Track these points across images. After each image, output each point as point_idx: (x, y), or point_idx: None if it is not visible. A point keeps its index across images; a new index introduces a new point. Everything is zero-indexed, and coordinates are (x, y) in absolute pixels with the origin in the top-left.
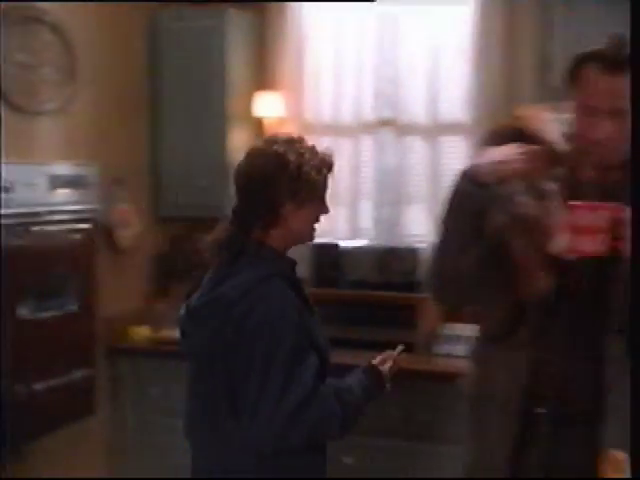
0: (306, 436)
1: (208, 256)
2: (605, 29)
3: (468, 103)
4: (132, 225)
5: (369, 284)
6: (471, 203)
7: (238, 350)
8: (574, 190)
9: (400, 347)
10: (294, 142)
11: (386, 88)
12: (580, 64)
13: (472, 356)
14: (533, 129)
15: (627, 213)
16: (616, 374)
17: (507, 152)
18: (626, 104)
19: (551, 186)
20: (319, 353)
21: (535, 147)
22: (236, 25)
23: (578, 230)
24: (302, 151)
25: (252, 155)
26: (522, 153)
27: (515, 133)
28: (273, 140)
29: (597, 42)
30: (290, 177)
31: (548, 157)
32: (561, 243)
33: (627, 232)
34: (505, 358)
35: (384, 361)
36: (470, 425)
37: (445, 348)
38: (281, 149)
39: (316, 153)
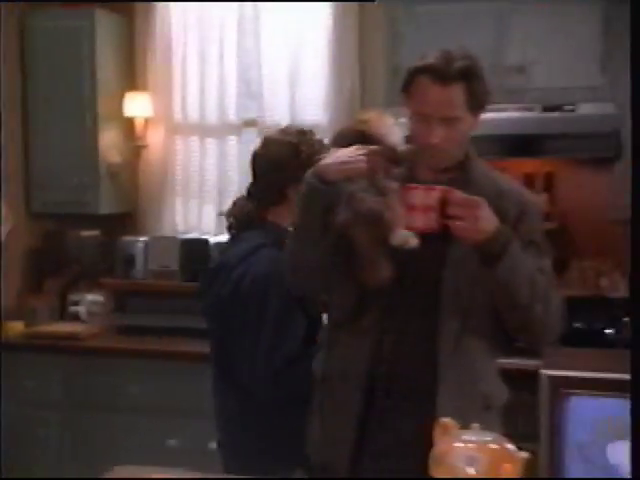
0: (294, 388)
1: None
2: (448, 43)
3: (326, 105)
4: (5, 221)
5: None
6: (319, 199)
7: (235, 310)
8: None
9: None
10: (306, 134)
11: (249, 89)
12: (413, 75)
13: (322, 340)
14: (376, 132)
15: (456, 195)
16: (448, 351)
17: (351, 153)
18: (455, 112)
19: (391, 184)
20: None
21: (377, 148)
22: (105, 26)
23: (411, 208)
24: (312, 142)
25: (268, 143)
26: (365, 154)
27: (359, 135)
28: (288, 131)
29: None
30: (300, 164)
31: (388, 157)
32: (400, 235)
33: (456, 212)
34: (350, 341)
35: None
36: (318, 402)
37: None
38: (295, 140)
39: (323, 145)
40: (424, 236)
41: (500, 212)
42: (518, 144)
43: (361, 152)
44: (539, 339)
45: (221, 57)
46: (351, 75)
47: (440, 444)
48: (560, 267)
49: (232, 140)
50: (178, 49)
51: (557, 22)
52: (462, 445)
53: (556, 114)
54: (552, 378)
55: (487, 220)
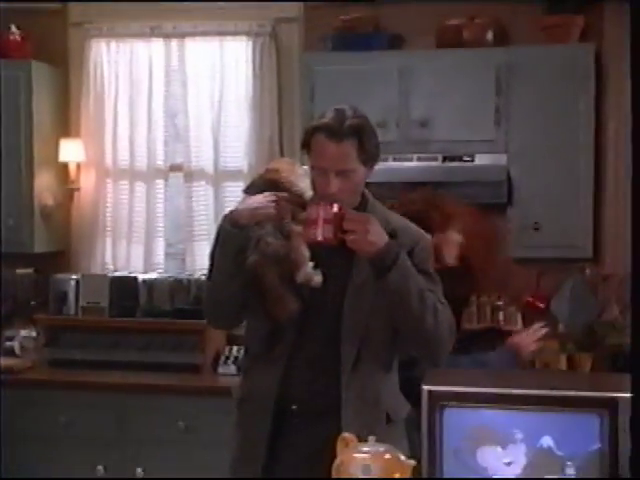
0: None
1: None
2: (358, 99)
3: (247, 153)
4: None
5: (162, 312)
6: (232, 242)
7: None
8: None
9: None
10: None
11: (176, 136)
12: (311, 134)
13: (241, 367)
14: (285, 180)
15: (350, 211)
16: (349, 374)
17: (261, 199)
18: (349, 165)
19: (296, 228)
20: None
21: (284, 195)
22: (41, 76)
23: (312, 222)
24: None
25: None
26: (273, 200)
27: (270, 183)
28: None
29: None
30: None
31: (295, 203)
32: (305, 274)
33: (349, 226)
34: (263, 368)
35: None
36: (235, 424)
37: (228, 368)
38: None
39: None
40: (326, 273)
41: None
42: None
43: (270, 199)
44: (432, 352)
45: (149, 105)
46: (270, 125)
47: (341, 456)
48: (461, 303)
49: (159, 184)
50: (109, 97)
51: (455, 81)
52: (359, 456)
53: (456, 164)
54: (431, 392)
55: (377, 234)
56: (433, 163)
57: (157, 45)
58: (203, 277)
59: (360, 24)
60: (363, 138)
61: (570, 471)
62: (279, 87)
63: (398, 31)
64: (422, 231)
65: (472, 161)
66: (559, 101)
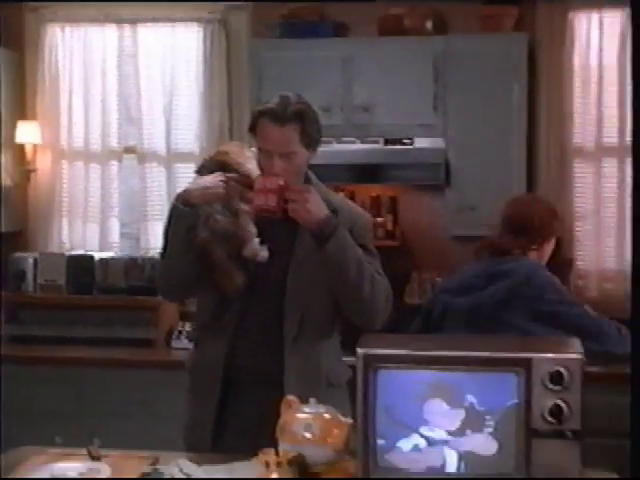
0: None
1: None
2: (304, 85)
3: (198, 136)
4: None
5: (118, 289)
6: (183, 220)
7: None
8: None
9: None
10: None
11: (129, 119)
12: (257, 118)
13: (192, 338)
14: (234, 161)
15: (292, 185)
16: (292, 341)
17: (211, 179)
18: (291, 148)
19: (244, 206)
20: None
21: (233, 175)
22: None
23: (256, 192)
24: None
25: None
26: (222, 180)
27: (220, 164)
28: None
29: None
30: None
31: (243, 183)
32: (251, 248)
33: (291, 196)
34: (212, 338)
35: None
36: (188, 391)
37: (181, 342)
38: None
39: None
40: (271, 248)
41: None
42: (365, 172)
43: (219, 179)
44: (369, 319)
45: (104, 89)
46: (220, 109)
47: (284, 416)
48: (402, 280)
49: (114, 165)
50: (65, 81)
51: (396, 68)
52: (301, 416)
53: (397, 147)
54: (365, 355)
55: (316, 204)
56: (375, 146)
57: (111, 30)
58: (157, 256)
59: (306, 12)
60: (305, 123)
61: (490, 424)
62: (229, 72)
63: (342, 19)
64: (361, 209)
65: (412, 144)
66: (494, 88)
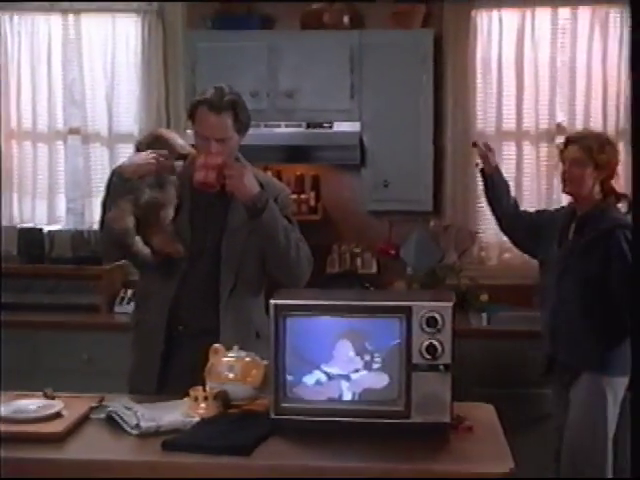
0: None
1: None
2: (233, 73)
3: (137, 118)
4: None
5: (66, 259)
6: (119, 192)
7: None
8: (190, 181)
9: None
10: None
11: (74, 101)
12: (195, 106)
13: (136, 297)
14: (165, 139)
15: (230, 161)
16: (227, 298)
17: (144, 157)
18: (226, 133)
19: (173, 179)
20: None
21: (164, 152)
22: None
23: (198, 168)
24: None
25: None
26: (154, 157)
27: (154, 139)
28: None
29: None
30: None
31: (174, 158)
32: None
33: (229, 172)
34: (155, 297)
35: None
36: (132, 343)
37: (123, 307)
38: None
39: None
40: (207, 217)
41: None
42: (290, 153)
43: (152, 156)
44: (294, 279)
45: (49, 73)
46: (158, 94)
47: (212, 360)
48: (324, 251)
49: (60, 145)
50: (13, 66)
51: (317, 59)
52: (225, 359)
53: (317, 130)
54: (275, 305)
55: (250, 180)
56: (298, 129)
57: (56, 19)
58: None
59: (236, 6)
60: (237, 111)
61: (377, 360)
62: (165, 60)
63: (269, 13)
64: (282, 184)
65: (331, 128)
66: (404, 78)
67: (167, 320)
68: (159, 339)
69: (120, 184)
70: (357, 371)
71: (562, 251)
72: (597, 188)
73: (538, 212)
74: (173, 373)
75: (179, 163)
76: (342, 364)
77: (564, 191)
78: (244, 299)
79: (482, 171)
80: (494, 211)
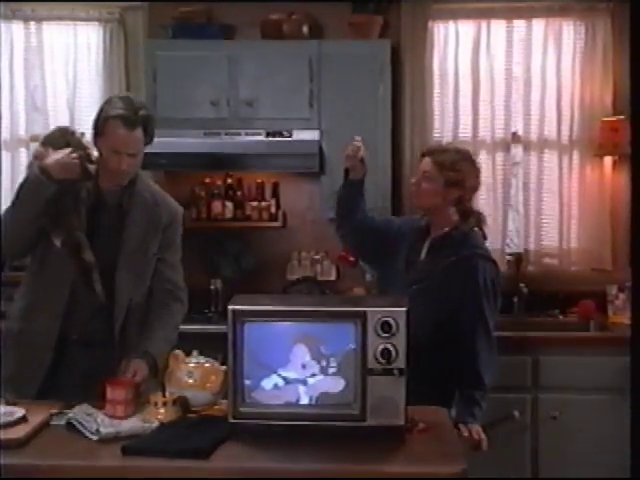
0: None
1: None
2: (194, 81)
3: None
4: None
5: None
6: (44, 191)
7: None
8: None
9: None
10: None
11: (35, 108)
12: (107, 120)
13: (21, 310)
14: (77, 139)
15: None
16: (161, 303)
17: (66, 156)
18: (137, 148)
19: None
20: None
21: (82, 152)
22: None
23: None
24: None
25: None
26: (74, 158)
27: (63, 133)
28: None
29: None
30: None
31: (86, 160)
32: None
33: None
34: (44, 312)
35: None
36: (14, 349)
37: None
38: None
39: None
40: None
41: (155, 216)
42: (250, 161)
43: (73, 156)
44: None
45: (11, 80)
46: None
47: (172, 366)
48: (284, 258)
49: (22, 152)
50: None
51: (277, 68)
52: (185, 365)
53: (277, 138)
54: (233, 310)
55: None
56: (258, 138)
57: (18, 27)
58: None
59: (196, 15)
60: (148, 126)
61: (333, 365)
62: (126, 68)
63: (229, 23)
64: (177, 204)
65: (290, 136)
66: (362, 87)
67: (57, 337)
68: (46, 356)
69: (45, 183)
70: (313, 375)
71: (411, 273)
72: (452, 208)
73: (386, 222)
74: (61, 382)
75: (92, 167)
76: (298, 369)
77: (414, 205)
78: (141, 307)
79: (346, 173)
80: (344, 220)
